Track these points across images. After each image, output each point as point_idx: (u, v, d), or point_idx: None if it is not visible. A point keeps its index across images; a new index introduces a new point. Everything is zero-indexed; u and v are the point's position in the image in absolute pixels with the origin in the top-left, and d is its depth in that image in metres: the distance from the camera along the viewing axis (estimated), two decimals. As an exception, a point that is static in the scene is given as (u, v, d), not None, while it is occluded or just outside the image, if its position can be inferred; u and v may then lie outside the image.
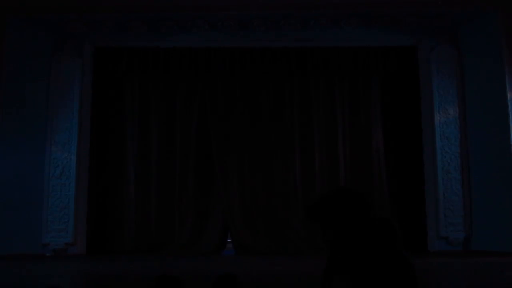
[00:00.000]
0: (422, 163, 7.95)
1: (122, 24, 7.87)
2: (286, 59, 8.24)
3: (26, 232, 7.41)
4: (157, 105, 8.42)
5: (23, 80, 7.63)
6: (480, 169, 7.56)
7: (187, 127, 8.35)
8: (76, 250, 7.65)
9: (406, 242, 7.91)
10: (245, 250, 7.88)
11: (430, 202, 7.79)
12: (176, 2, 7.51)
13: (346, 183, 8.17)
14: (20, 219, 7.34)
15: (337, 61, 8.25)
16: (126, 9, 7.58)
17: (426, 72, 8.06)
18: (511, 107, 7.07)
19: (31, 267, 6.22)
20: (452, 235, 7.62)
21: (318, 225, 1.79)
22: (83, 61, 8.08)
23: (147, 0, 7.50)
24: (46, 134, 7.81)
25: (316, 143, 8.31)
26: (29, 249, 7.39)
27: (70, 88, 7.94)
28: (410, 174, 8.07)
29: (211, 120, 8.31)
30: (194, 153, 8.28)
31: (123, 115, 8.42)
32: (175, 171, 8.21)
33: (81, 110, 7.95)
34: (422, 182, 7.92)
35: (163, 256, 7.45)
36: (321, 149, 8.30)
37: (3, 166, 7.29)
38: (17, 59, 7.53)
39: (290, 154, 8.27)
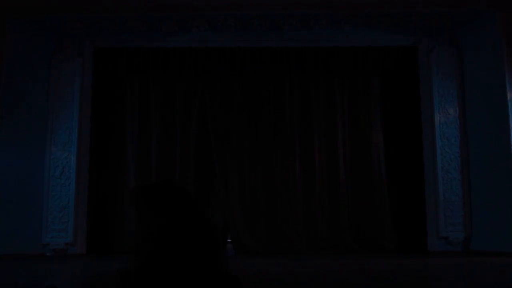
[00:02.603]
0: (422, 163, 7.95)
1: (122, 24, 7.87)
2: (286, 59, 8.24)
3: (26, 232, 7.41)
4: (157, 105, 8.42)
5: (23, 80, 7.62)
6: (480, 169, 7.55)
7: (187, 127, 8.35)
8: (76, 250, 7.65)
9: (406, 242, 7.94)
10: (245, 250, 7.89)
11: (430, 202, 7.79)
12: (176, 2, 7.51)
13: (346, 183, 8.20)
14: (20, 219, 7.34)
15: (337, 61, 8.25)
16: (126, 9, 7.58)
17: (426, 72, 8.06)
18: (511, 107, 7.07)
19: (31, 267, 6.22)
20: (452, 235, 7.62)
21: (143, 212, 1.72)
22: (83, 61, 8.07)
23: (147, 0, 7.50)
24: (46, 134, 7.79)
25: (316, 143, 8.31)
26: (29, 249, 7.38)
27: (70, 88, 7.93)
28: (410, 174, 8.06)
29: (211, 120, 8.32)
30: (194, 154, 8.28)
31: (123, 115, 8.42)
32: (175, 171, 8.21)
33: (81, 110, 7.94)
34: (422, 182, 7.92)
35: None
36: (321, 149, 8.31)
37: (3, 166, 7.29)
38: (17, 59, 7.52)
39: (290, 154, 8.27)
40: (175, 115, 8.38)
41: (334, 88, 8.47)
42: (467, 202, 7.66)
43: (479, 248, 7.42)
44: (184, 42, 8.16)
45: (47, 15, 7.56)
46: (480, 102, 7.64)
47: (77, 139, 7.81)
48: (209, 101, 8.37)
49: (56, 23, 7.78)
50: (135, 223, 1.73)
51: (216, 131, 8.28)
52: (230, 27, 7.88)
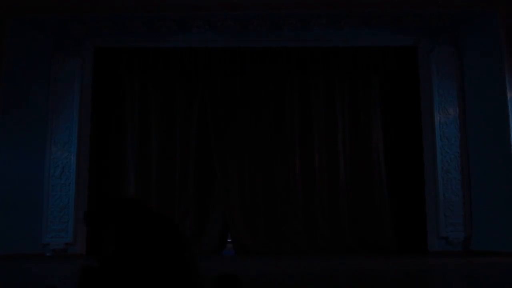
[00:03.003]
0: (422, 163, 7.96)
1: (122, 24, 7.87)
2: (286, 59, 8.25)
3: (26, 232, 7.41)
4: (157, 105, 8.42)
5: (23, 80, 7.62)
6: (480, 169, 7.56)
7: (187, 127, 8.35)
8: (76, 250, 7.66)
9: (406, 242, 7.93)
10: (245, 250, 7.89)
11: (430, 202, 7.80)
12: (176, 2, 7.51)
13: (346, 183, 8.20)
14: (20, 219, 7.34)
15: (337, 61, 8.26)
16: (126, 9, 7.58)
17: (426, 72, 8.06)
18: (511, 107, 7.07)
19: (31, 267, 6.22)
20: (452, 235, 7.63)
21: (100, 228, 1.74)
22: (83, 61, 8.08)
23: (147, 0, 7.50)
24: (46, 134, 7.81)
25: (316, 143, 8.31)
26: (29, 249, 7.39)
27: (70, 88, 7.94)
28: (410, 174, 8.07)
29: (211, 120, 8.31)
30: (194, 153, 8.28)
31: (123, 115, 8.42)
32: (175, 171, 8.22)
33: (81, 110, 7.95)
34: (422, 182, 7.92)
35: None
36: (321, 149, 8.31)
37: (3, 166, 7.29)
38: (17, 59, 7.52)
39: (290, 154, 8.28)
40: (175, 115, 8.38)
41: (334, 88, 8.47)
42: (467, 202, 7.66)
43: (479, 248, 7.43)
44: (184, 42, 8.17)
45: (47, 15, 7.56)
46: (480, 102, 7.64)
47: (77, 139, 7.83)
48: (209, 101, 8.37)
49: (56, 23, 7.78)
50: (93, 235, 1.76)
51: (216, 131, 8.28)
52: (230, 27, 7.88)
